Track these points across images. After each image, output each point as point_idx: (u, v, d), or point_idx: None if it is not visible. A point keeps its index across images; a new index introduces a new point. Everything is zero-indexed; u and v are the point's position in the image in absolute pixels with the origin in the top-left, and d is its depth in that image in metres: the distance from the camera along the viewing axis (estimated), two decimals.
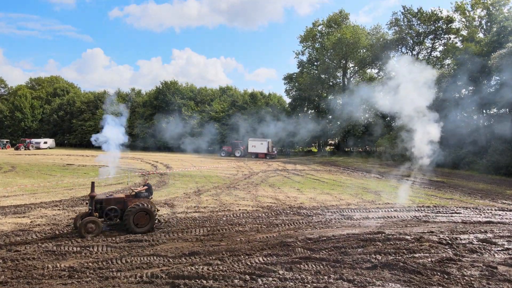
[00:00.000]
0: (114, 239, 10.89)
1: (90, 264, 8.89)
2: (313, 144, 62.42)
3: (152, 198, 12.51)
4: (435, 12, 46.03)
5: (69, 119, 66.34)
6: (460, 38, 45.86)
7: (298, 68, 59.38)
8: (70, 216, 13.50)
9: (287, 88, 60.27)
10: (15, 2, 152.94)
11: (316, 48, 57.82)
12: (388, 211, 15.55)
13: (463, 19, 46.29)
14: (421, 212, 15.41)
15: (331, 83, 56.94)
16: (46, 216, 13.63)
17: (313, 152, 59.85)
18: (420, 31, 47.54)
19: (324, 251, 9.85)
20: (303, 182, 24.88)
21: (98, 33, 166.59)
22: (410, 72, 15.85)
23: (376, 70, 55.17)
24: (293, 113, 57.39)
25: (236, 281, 7.89)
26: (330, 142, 58.55)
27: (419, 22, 48.14)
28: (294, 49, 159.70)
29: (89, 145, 65.11)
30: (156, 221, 11.81)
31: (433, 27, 46.82)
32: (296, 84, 57.42)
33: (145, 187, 12.57)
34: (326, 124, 46.08)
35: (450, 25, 45.89)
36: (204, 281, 7.88)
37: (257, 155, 48.80)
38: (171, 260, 9.23)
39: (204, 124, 55.19)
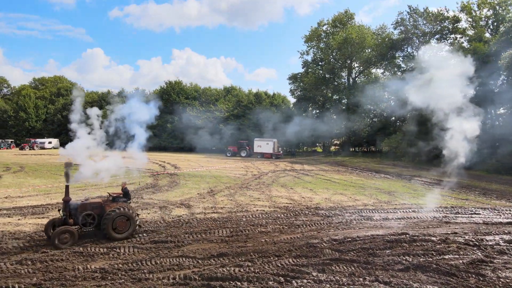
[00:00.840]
0: (139, 240, 10.86)
1: (120, 265, 8.84)
2: (317, 144, 62.36)
3: (130, 202, 11.82)
4: (441, 12, 45.96)
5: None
6: (467, 38, 45.77)
7: (302, 68, 59.40)
8: None
9: (292, 88, 60.25)
10: (15, 2, 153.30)
11: (321, 48, 57.74)
12: (406, 211, 15.50)
13: (469, 19, 46.22)
14: (440, 213, 15.36)
15: (336, 83, 56.87)
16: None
17: (318, 152, 59.76)
18: (426, 30, 47.45)
19: (352, 253, 9.80)
20: (315, 182, 24.83)
21: (98, 33, 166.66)
22: (443, 63, 15.42)
23: (381, 70, 55.10)
24: (299, 112, 57.31)
25: (270, 282, 7.85)
26: (335, 142, 58.49)
27: (425, 22, 48.06)
28: (296, 49, 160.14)
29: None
30: (137, 226, 11.19)
31: (439, 27, 46.73)
32: (301, 84, 57.33)
33: (122, 192, 11.77)
34: (358, 120, 44.78)
35: (456, 25, 45.82)
36: (239, 283, 7.84)
37: (263, 155, 48.77)
38: (200, 262, 9.18)
39: (209, 124, 55.14)
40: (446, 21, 46.42)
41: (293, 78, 59.86)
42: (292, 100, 63.05)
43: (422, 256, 9.47)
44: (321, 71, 56.46)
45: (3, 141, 58.24)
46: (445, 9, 45.72)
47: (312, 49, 58.88)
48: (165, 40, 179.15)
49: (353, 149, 59.13)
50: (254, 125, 54.03)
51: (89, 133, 12.21)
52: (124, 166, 14.51)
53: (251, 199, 17.97)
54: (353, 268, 8.63)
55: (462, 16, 46.29)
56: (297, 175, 29.01)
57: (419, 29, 47.86)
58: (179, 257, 9.37)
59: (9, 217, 13.56)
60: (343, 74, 57.59)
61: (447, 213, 15.35)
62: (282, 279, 7.98)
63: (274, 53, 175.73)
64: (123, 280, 8.00)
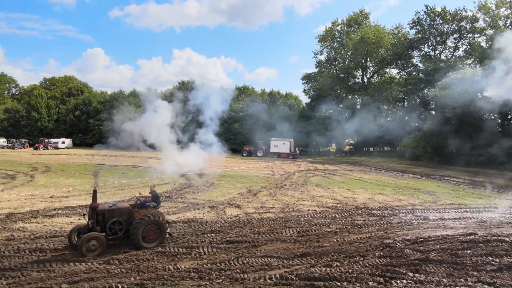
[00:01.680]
0: (213, 239, 10.82)
1: (210, 265, 8.81)
2: (331, 144, 62.31)
3: (159, 207, 10.98)
4: (459, 11, 45.87)
5: (85, 119, 66.32)
6: (485, 38, 45.69)
7: (316, 67, 59.30)
8: None
9: (306, 88, 60.21)
10: (15, 2, 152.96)
11: (334, 47, 57.67)
12: (459, 211, 15.46)
13: (487, 19, 46.11)
14: (493, 213, 15.31)
15: (350, 83, 56.82)
16: None
17: (331, 152, 59.69)
18: (443, 30, 47.36)
19: (433, 253, 9.76)
20: (347, 182, 24.79)
21: (99, 33, 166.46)
22: None
23: (397, 70, 55.00)
24: (311, 112, 57.33)
25: (370, 283, 7.81)
26: (350, 141, 58.42)
27: (441, 21, 47.97)
28: (296, 49, 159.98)
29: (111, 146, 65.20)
30: (167, 235, 10.46)
31: (457, 27, 46.65)
32: (316, 83, 57.27)
33: (151, 195, 10.96)
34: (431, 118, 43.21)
35: (474, 24, 45.71)
36: (338, 283, 7.80)
37: (279, 155, 48.75)
38: (286, 262, 9.14)
39: (223, 123, 55.10)
40: (464, 21, 46.31)
41: (307, 78, 59.81)
42: (304, 100, 63.15)
43: (506, 257, 9.43)
44: (335, 71, 56.38)
45: (17, 141, 58.28)
46: (463, 8, 45.66)
47: (326, 48, 58.84)
48: (165, 40, 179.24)
49: (366, 149, 59.05)
50: (269, 125, 54.05)
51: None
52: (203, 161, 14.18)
53: (295, 199, 17.94)
54: (444, 269, 8.59)
55: (479, 15, 46.17)
56: (325, 175, 28.97)
57: (436, 28, 47.76)
58: (263, 257, 9.34)
59: (67, 217, 13.56)
60: (357, 74, 57.52)
61: (500, 213, 15.31)
62: (381, 279, 7.95)
63: (274, 53, 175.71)
64: (220, 280, 7.98)
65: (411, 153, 44.51)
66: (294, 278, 8.04)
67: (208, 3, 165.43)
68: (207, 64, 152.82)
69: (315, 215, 14.38)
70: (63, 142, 60.32)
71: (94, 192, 9.90)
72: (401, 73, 53.72)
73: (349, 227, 12.51)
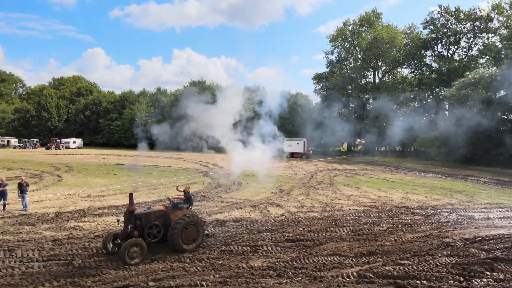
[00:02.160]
0: (272, 238, 10.86)
1: (281, 263, 8.85)
2: (341, 144, 62.29)
3: (191, 208, 10.62)
4: (473, 11, 45.86)
5: (95, 119, 66.36)
6: (498, 38, 45.67)
7: (327, 67, 59.30)
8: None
9: (316, 88, 60.23)
10: (15, 2, 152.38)
11: (345, 47, 57.64)
12: (501, 211, 15.49)
13: (501, 18, 46.07)
14: None
15: (362, 83, 56.84)
16: None
17: (343, 152, 59.66)
18: (457, 30, 47.34)
19: (498, 252, 9.79)
20: (373, 181, 24.80)
21: (99, 33, 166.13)
22: None
23: (409, 70, 54.97)
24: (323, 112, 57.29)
25: (450, 281, 7.84)
26: (362, 141, 58.37)
27: (455, 21, 47.95)
28: (297, 49, 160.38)
29: (117, 145, 65.43)
30: (205, 236, 10.09)
31: (471, 26, 46.64)
32: (327, 83, 57.29)
33: (183, 197, 10.59)
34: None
35: (488, 24, 45.69)
36: (418, 281, 7.82)
37: (292, 155, 48.71)
38: (355, 260, 9.17)
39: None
40: (478, 21, 46.28)
41: (318, 77, 59.82)
42: (313, 100, 63.20)
43: None
44: (347, 71, 56.40)
45: (29, 141, 58.32)
46: (479, 8, 45.67)
47: (336, 48, 58.83)
48: (165, 40, 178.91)
49: (377, 149, 58.98)
50: (281, 124, 54.06)
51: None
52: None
53: (330, 198, 17.97)
54: None
55: (494, 15, 46.12)
56: (347, 174, 28.99)
57: (449, 28, 47.74)
58: (332, 256, 9.37)
59: (115, 215, 13.62)
60: (369, 73, 57.53)
61: None
62: (460, 278, 7.98)
63: (274, 53, 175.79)
64: (299, 278, 8.01)
65: (426, 153, 44.53)
66: (372, 276, 8.07)
67: (208, 3, 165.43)
68: (207, 64, 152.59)
69: (359, 214, 14.41)
70: (74, 142, 60.39)
71: (131, 195, 9.43)
72: (414, 73, 53.67)
73: (399, 226, 12.54)
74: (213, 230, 11.65)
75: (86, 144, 65.77)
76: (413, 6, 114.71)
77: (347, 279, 7.98)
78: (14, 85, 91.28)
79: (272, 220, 13.10)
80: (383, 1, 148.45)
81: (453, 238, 10.90)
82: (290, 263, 8.90)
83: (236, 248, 9.84)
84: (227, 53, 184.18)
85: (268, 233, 11.46)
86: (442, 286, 7.64)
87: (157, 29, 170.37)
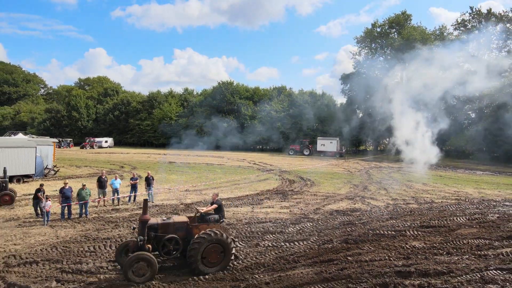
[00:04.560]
0: (405, 224, 12.08)
1: (436, 244, 10.04)
2: (364, 144, 63.45)
3: (223, 221, 9.09)
4: (506, 13, 46.91)
5: (124, 119, 67.82)
6: None
7: (354, 68, 60.42)
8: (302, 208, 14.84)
9: (344, 88, 61.36)
10: (17, 2, 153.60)
11: (372, 48, 58.76)
12: None
13: None
14: None
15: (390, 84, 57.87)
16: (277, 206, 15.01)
17: (370, 151, 60.71)
18: (487, 31, 48.36)
19: None
20: (433, 178, 25.89)
21: (100, 33, 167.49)
22: None
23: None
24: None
25: None
26: (385, 140, 59.43)
27: (485, 23, 48.94)
28: (297, 49, 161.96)
29: (146, 144, 66.89)
30: (232, 257, 8.35)
31: (501, 29, 47.63)
32: (355, 84, 58.38)
33: (215, 205, 8.94)
34: None
35: None
36: None
37: (325, 154, 49.85)
38: (497, 243, 10.35)
39: (266, 123, 56.45)
40: (509, 23, 47.28)
41: (345, 78, 60.97)
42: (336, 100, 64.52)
43: None
44: (376, 72, 57.49)
45: (63, 140, 59.82)
46: (511, 10, 46.69)
47: (363, 50, 59.96)
48: (167, 40, 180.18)
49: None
50: (312, 124, 55.43)
51: None
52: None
53: (412, 192, 19.17)
54: None
55: None
56: (398, 171, 30.09)
57: (480, 30, 48.75)
58: (476, 239, 10.54)
59: (235, 207, 14.91)
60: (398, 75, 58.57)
61: None
62: None
63: (275, 53, 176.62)
64: (467, 256, 9.20)
65: (459, 152, 45.57)
66: None
67: (210, 3, 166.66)
68: (208, 64, 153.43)
69: (455, 206, 15.60)
70: (106, 141, 61.83)
71: (145, 201, 8.20)
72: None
73: (505, 215, 13.72)
74: (339, 218, 12.93)
75: (116, 144, 67.23)
76: (413, 6, 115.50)
77: (506, 256, 9.14)
78: (38, 86, 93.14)
79: (383, 210, 14.36)
80: (384, 1, 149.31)
81: None
82: (444, 244, 10.10)
83: (385, 233, 11.06)
84: (228, 53, 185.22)
85: (393, 220, 12.68)
86: None
87: (158, 29, 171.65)
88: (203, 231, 8.04)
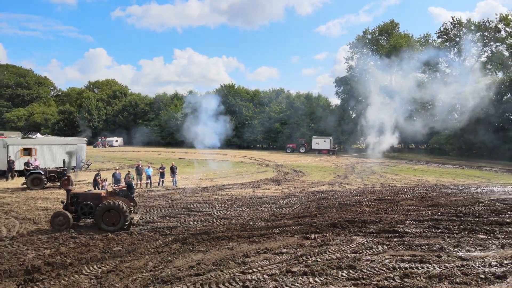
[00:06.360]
0: (370, 198, 16.61)
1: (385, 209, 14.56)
2: (360, 142, 67.97)
3: (133, 195, 12.87)
4: (484, 23, 51.39)
5: (133, 120, 72.37)
6: (505, 46, 51.17)
7: (347, 72, 65.00)
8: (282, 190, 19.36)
9: (338, 90, 65.90)
10: (17, 3, 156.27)
11: (364, 53, 63.34)
12: None
13: (507, 29, 51.55)
14: None
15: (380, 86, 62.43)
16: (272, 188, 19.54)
17: (362, 149, 65.26)
18: (468, 39, 52.90)
19: None
20: (406, 170, 30.42)
21: (100, 33, 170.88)
22: None
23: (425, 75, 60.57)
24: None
25: (487, 215, 13.52)
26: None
27: (465, 31, 53.47)
28: (297, 48, 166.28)
29: (153, 144, 71.42)
30: (128, 222, 11.23)
31: (482, 36, 52.15)
32: (348, 87, 62.96)
33: (125, 185, 13.00)
34: None
35: (497, 35, 51.21)
36: (470, 218, 13.51)
37: (319, 151, 54.36)
38: (424, 208, 14.86)
39: (265, 123, 61.08)
40: (487, 32, 51.79)
41: (339, 81, 65.51)
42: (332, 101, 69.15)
43: None
44: (367, 76, 62.05)
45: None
46: (488, 20, 51.15)
47: (355, 55, 64.54)
48: (166, 40, 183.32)
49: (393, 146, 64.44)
50: (307, 124, 59.92)
51: None
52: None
53: (382, 180, 23.69)
54: None
55: (501, 26, 51.61)
56: (380, 166, 34.63)
57: (461, 37, 53.28)
58: (409, 206, 15.07)
59: (240, 188, 19.45)
60: (387, 78, 63.14)
61: None
62: (493, 214, 13.67)
63: (275, 53, 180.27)
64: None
65: (441, 150, 50.13)
66: (439, 218, 13.77)
67: (209, 3, 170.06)
68: (208, 64, 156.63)
69: (411, 188, 20.14)
70: (116, 141, 66.38)
71: (68, 177, 12.51)
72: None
73: (444, 194, 18.25)
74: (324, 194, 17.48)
75: (125, 143, 71.79)
76: (413, 6, 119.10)
77: (423, 214, 13.65)
78: (49, 88, 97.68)
79: (354, 191, 18.92)
80: (384, 1, 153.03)
81: (483, 199, 16.60)
82: (386, 209, 14.60)
83: (347, 203, 15.60)
84: (228, 53, 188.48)
85: (358, 197, 17.20)
86: (484, 216, 13.33)
87: (158, 29, 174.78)
88: (107, 201, 11.18)
